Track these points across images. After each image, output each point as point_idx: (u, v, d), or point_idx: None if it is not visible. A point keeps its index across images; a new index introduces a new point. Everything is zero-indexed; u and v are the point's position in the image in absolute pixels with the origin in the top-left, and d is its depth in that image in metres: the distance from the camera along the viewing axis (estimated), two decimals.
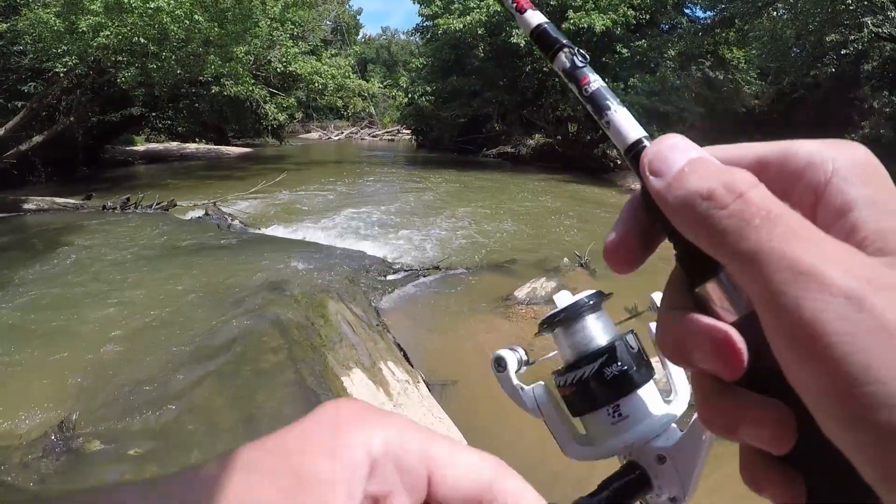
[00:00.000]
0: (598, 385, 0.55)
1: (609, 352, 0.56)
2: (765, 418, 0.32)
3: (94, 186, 16.46)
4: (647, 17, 22.19)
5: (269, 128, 31.52)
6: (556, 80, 22.41)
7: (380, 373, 5.22)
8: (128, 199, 13.90)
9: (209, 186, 17.69)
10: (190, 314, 6.95)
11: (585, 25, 20.85)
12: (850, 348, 0.26)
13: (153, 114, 26.88)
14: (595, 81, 0.43)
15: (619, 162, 23.50)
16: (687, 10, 24.54)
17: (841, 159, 0.33)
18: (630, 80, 21.33)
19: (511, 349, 0.64)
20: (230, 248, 9.98)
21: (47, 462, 4.38)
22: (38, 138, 17.08)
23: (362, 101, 28.81)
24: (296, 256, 9.10)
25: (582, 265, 9.25)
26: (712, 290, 0.36)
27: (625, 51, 22.50)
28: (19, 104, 16.09)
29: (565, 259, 9.46)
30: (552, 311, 0.59)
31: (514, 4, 0.50)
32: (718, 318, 0.35)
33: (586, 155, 23.71)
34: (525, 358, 0.64)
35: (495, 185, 18.88)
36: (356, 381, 5.05)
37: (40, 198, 13.83)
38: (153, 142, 29.91)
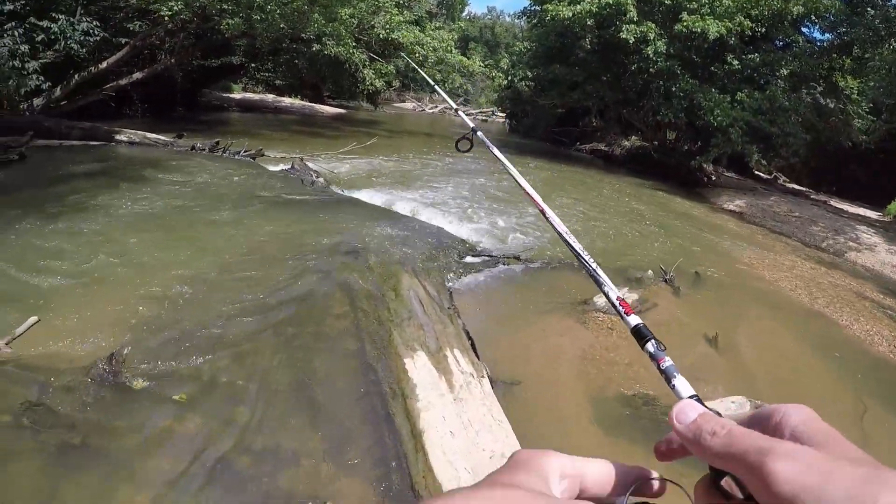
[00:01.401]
0: None
1: None
2: None
3: (187, 127, 16.58)
4: (763, 30, 21.04)
5: (365, 92, 31.36)
6: (661, 83, 21.78)
7: (444, 360, 4.88)
8: (217, 142, 13.88)
9: (299, 141, 17.68)
10: (260, 265, 6.76)
11: (699, 30, 19.93)
12: (789, 476, 0.48)
13: (252, 64, 27.04)
14: (667, 361, 0.76)
15: (713, 178, 22.79)
16: (805, 29, 23.19)
17: (788, 408, 0.59)
18: (738, 94, 20.31)
19: None
20: (311, 205, 9.78)
21: (90, 392, 4.24)
22: (138, 74, 17.42)
23: (461, 77, 28.41)
24: (375, 223, 8.86)
25: (666, 281, 8.80)
26: (726, 482, 0.59)
27: (735, 62, 21.40)
28: (123, 41, 16.17)
29: (650, 271, 9.00)
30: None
31: (623, 310, 0.89)
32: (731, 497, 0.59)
33: (682, 165, 22.77)
34: None
35: (585, 182, 18.29)
36: (419, 365, 4.72)
37: (133, 131, 13.88)
38: (250, 91, 30.22)
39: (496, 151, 1.78)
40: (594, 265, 1.01)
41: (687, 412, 0.61)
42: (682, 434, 0.60)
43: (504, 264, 8.55)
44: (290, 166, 12.88)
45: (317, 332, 5.27)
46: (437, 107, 48.13)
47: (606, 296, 0.93)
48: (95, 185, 9.24)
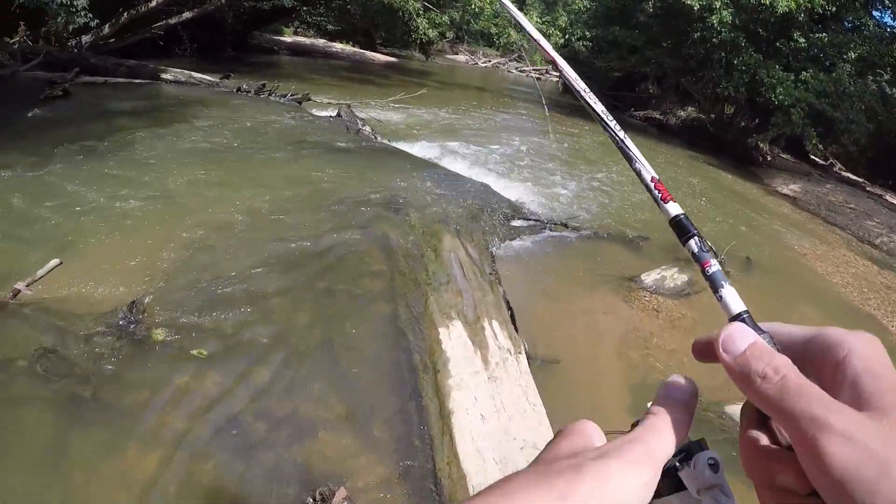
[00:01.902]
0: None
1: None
2: None
3: (235, 68, 16.37)
4: (833, 8, 19.96)
5: (418, 42, 30.86)
6: (724, 55, 20.81)
7: (482, 332, 4.53)
8: (263, 84, 13.62)
9: (347, 88, 17.37)
10: (297, 213, 6.47)
11: (767, 2, 19.00)
12: (843, 463, 0.42)
13: (304, 8, 26.65)
14: (714, 265, 0.64)
15: (769, 158, 21.96)
16: (875, 13, 22.11)
17: (854, 344, 0.50)
18: (803, 73, 19.38)
19: None
20: (354, 154, 9.46)
21: (108, 342, 4.05)
22: (188, 14, 17.16)
23: (516, 32, 27.80)
24: (420, 176, 8.52)
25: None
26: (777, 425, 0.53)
27: (802, 40, 20.35)
28: None
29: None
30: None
31: (660, 195, 0.73)
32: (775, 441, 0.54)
33: (738, 142, 21.88)
34: None
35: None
36: (454, 337, 4.39)
37: (179, 70, 13.73)
38: (301, 35, 29.90)
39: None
40: (622, 135, 0.82)
41: (736, 340, 0.54)
42: (728, 367, 0.53)
43: (551, 230, 8.13)
44: (336, 113, 12.51)
45: (350, 291, 4.98)
46: (489, 61, 47.41)
47: (638, 173, 0.76)
48: (136, 123, 9.03)
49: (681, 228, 0.70)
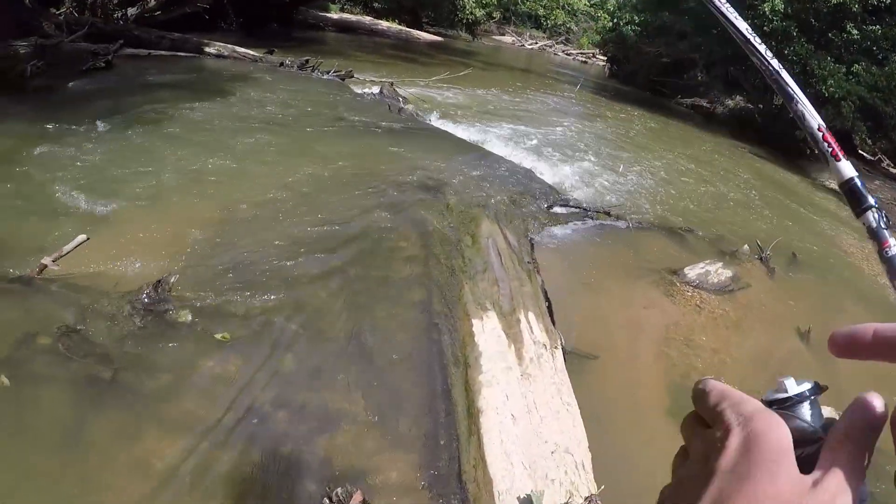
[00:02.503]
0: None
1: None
2: None
3: (279, 44, 16.27)
4: (889, 0, 19.35)
5: (465, 21, 30.59)
6: (774, 43, 20.09)
7: (517, 325, 4.32)
8: (307, 60, 13.48)
9: (391, 66, 17.17)
10: (333, 192, 6.35)
11: None
12: None
13: None
14: (895, 247, 0.54)
15: (816, 151, 21.47)
16: None
17: None
18: (854, 66, 18.85)
19: None
20: (395, 133, 9.31)
21: (131, 321, 3.95)
22: None
23: (564, 14, 27.45)
24: (460, 158, 8.33)
25: (761, 259, 8.04)
26: None
27: (855, 32, 19.73)
28: None
29: (745, 246, 8.18)
30: (778, 397, 0.57)
31: (829, 150, 0.62)
32: None
33: (785, 134, 21.41)
34: None
35: (682, 139, 17.09)
36: (487, 329, 4.20)
37: (222, 44, 13.61)
38: (347, 12, 29.78)
39: None
40: (776, 64, 0.70)
41: None
42: None
43: (593, 219, 7.83)
44: (378, 90, 12.34)
45: (382, 277, 4.85)
46: (536, 43, 46.92)
47: (801, 118, 0.67)
48: (176, 96, 8.94)
49: (855, 196, 0.61)
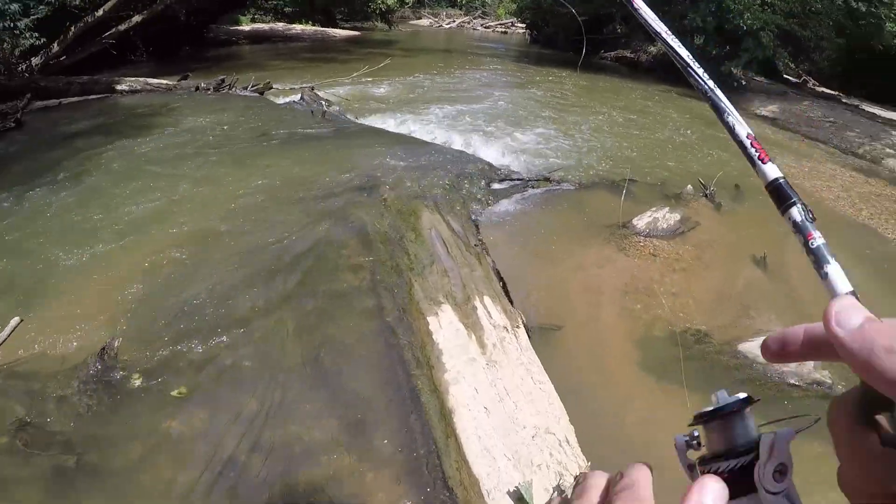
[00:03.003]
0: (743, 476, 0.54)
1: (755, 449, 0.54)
2: None
3: (194, 66, 16.00)
4: None
5: (378, 12, 30.36)
6: None
7: (473, 312, 4.23)
8: (223, 80, 13.18)
9: (310, 69, 16.91)
10: (269, 214, 6.17)
11: None
12: None
13: None
14: (818, 238, 0.58)
15: (743, 83, 21.71)
16: None
17: None
18: None
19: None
20: (322, 139, 9.11)
21: (84, 398, 3.77)
22: (137, 18, 16.46)
23: None
24: (392, 152, 8.18)
25: (706, 196, 8.10)
26: (885, 418, 0.47)
27: None
28: None
29: (689, 186, 8.21)
30: (708, 409, 0.58)
31: (757, 154, 0.65)
32: (889, 441, 0.46)
33: (711, 71, 21.60)
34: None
35: (611, 92, 17.13)
36: (444, 324, 4.09)
37: (133, 79, 13.21)
38: (259, 22, 29.36)
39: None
40: (710, 84, 0.79)
41: (851, 314, 0.47)
42: (844, 344, 0.45)
43: (533, 188, 7.76)
44: (299, 97, 12.19)
45: (331, 291, 4.71)
46: (454, 21, 46.83)
47: (731, 129, 0.69)
48: (94, 144, 8.61)
49: (779, 195, 0.64)
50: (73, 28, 14.59)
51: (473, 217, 6.45)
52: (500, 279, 4.97)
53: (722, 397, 0.60)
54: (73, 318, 4.56)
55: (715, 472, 0.55)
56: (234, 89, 13.00)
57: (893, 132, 15.75)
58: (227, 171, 7.55)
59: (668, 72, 22.75)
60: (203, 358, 4.08)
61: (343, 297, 4.60)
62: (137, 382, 3.87)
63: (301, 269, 5.01)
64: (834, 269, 0.55)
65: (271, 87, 13.25)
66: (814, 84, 24.30)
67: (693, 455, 0.59)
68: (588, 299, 5.49)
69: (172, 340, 4.25)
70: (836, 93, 22.76)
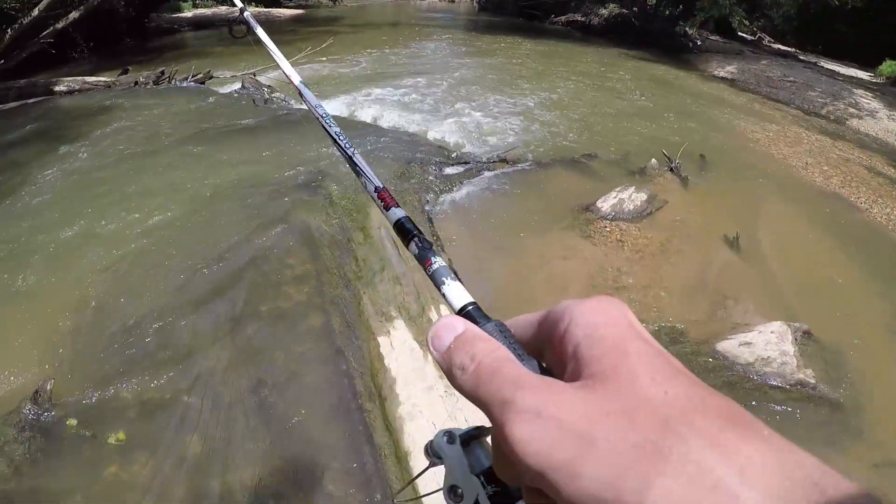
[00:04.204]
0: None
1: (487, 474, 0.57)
2: None
3: (136, 59, 15.44)
4: None
5: None
6: None
7: (429, 328, 3.87)
8: (162, 72, 12.56)
9: (253, 53, 16.19)
10: (209, 222, 5.71)
11: None
12: (531, 447, 0.36)
13: None
14: (436, 263, 0.62)
15: (699, 43, 21.82)
16: None
17: (577, 310, 0.43)
18: None
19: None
20: (264, 129, 8.65)
21: (20, 447, 3.43)
22: (74, 14, 15.71)
23: None
24: None
25: (672, 170, 7.83)
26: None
27: None
28: None
29: (653, 160, 7.93)
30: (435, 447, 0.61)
31: (382, 203, 0.73)
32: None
33: (665, 32, 21.53)
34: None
35: (565, 58, 16.88)
36: (397, 344, 3.72)
37: (71, 78, 12.60)
38: (202, 7, 28.59)
39: (261, 33, 1.38)
40: (351, 151, 0.87)
41: (442, 334, 0.48)
42: (441, 366, 0.47)
43: (489, 171, 7.36)
44: (240, 85, 11.71)
45: (275, 309, 4.31)
46: None
47: (364, 186, 0.79)
48: (26, 156, 8.00)
49: (402, 231, 0.69)
50: (9, 31, 14.00)
51: (427, 208, 6.06)
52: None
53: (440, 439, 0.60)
54: (4, 359, 4.17)
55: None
56: (173, 81, 12.44)
57: (855, 91, 15.93)
58: (163, 174, 7.05)
59: (622, 33, 22.63)
60: (143, 396, 3.74)
61: (288, 317, 4.21)
62: (75, 427, 3.53)
63: (244, 285, 4.60)
64: (451, 288, 0.57)
65: (211, 76, 12.72)
66: (769, 41, 24.54)
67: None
68: (553, 295, 5.12)
69: (110, 377, 3.89)
70: (792, 49, 22.94)
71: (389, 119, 9.39)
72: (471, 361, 0.44)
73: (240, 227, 5.45)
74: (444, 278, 0.59)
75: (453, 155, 7.69)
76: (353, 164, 0.82)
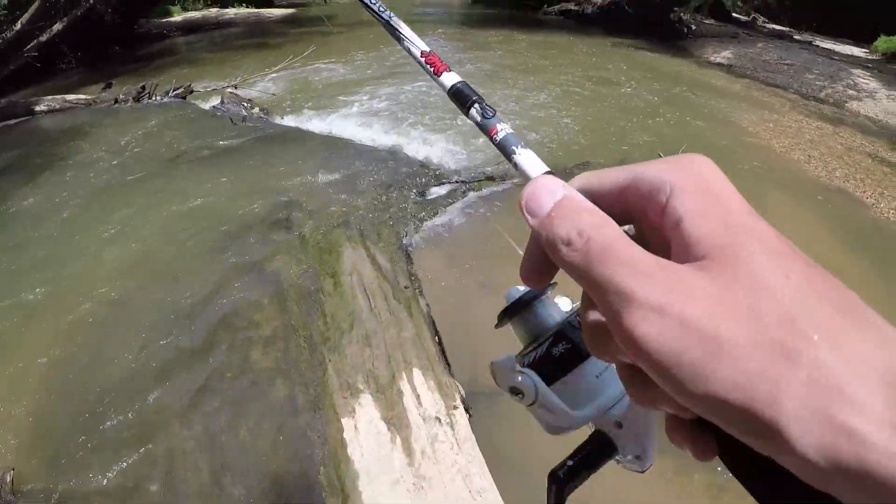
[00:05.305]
0: (552, 359, 0.61)
1: (559, 331, 0.61)
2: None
3: (123, 69, 15.34)
4: None
5: None
6: None
7: (400, 400, 3.45)
8: (143, 87, 12.19)
9: (240, 60, 15.90)
10: (175, 269, 5.33)
11: None
12: (658, 347, 0.33)
13: None
14: (503, 130, 0.54)
15: (693, 27, 21.40)
16: None
17: (677, 180, 0.39)
18: None
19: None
20: (239, 152, 8.23)
21: None
22: (58, 26, 15.57)
23: None
24: (315, 162, 7.39)
25: None
26: None
27: None
28: None
29: None
30: (507, 305, 0.65)
31: (432, 69, 0.63)
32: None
33: (660, 19, 21.32)
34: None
35: (560, 50, 16.35)
36: (362, 427, 3.34)
37: (51, 97, 12.29)
38: (191, 9, 28.29)
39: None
40: (387, 14, 0.72)
41: (541, 197, 0.43)
42: (536, 233, 0.43)
43: (475, 191, 6.91)
44: (219, 101, 11.26)
45: (241, 377, 3.99)
46: None
47: (409, 52, 0.66)
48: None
49: (460, 98, 0.59)
50: None
51: (405, 241, 5.65)
52: (436, 332, 4.22)
53: (514, 292, 0.65)
54: None
55: (531, 363, 0.61)
56: (154, 97, 12.08)
57: (853, 70, 15.69)
58: (127, 211, 6.63)
59: (618, 20, 22.40)
60: (107, 483, 3.49)
61: (253, 387, 3.88)
62: None
63: (209, 349, 4.27)
64: (524, 156, 0.51)
65: (192, 91, 12.36)
66: (764, 21, 24.40)
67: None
68: None
69: (74, 464, 3.62)
70: (787, 29, 22.89)
71: (372, 134, 8.96)
72: (578, 236, 0.39)
73: (208, 276, 5.11)
74: (514, 147, 0.52)
75: (437, 173, 7.25)
76: (392, 30, 0.70)
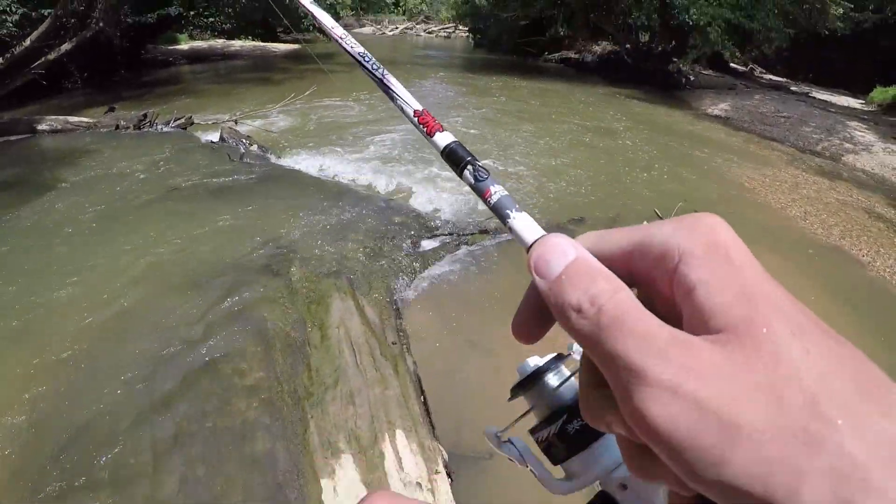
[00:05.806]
0: (568, 437, 0.59)
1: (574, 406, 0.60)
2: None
3: (128, 93, 15.57)
4: None
5: (313, 26, 29.58)
6: None
7: (381, 463, 3.41)
8: (144, 115, 12.36)
9: (242, 94, 16.06)
10: (159, 314, 5.24)
11: None
12: (671, 429, 0.32)
13: (192, 13, 25.30)
14: (496, 193, 0.52)
15: (691, 78, 21.88)
16: None
17: (687, 244, 0.38)
18: None
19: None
20: (233, 191, 8.22)
21: None
22: (66, 46, 15.60)
23: None
24: (310, 206, 7.41)
25: None
26: None
27: None
28: (46, 13, 14.67)
29: (645, 222, 7.51)
30: (520, 379, 0.65)
31: (425, 129, 0.62)
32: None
33: (658, 69, 21.60)
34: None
35: (559, 99, 16.81)
36: (340, 488, 3.29)
37: (54, 117, 12.40)
38: (199, 39, 28.49)
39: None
40: (381, 72, 0.72)
41: (551, 260, 0.41)
42: (545, 296, 0.40)
43: (468, 245, 6.94)
44: (219, 135, 11.29)
45: (222, 428, 3.91)
46: (397, 28, 46.71)
47: (402, 110, 0.66)
48: None
49: (453, 158, 0.58)
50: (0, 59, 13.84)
51: (395, 296, 5.63)
52: (422, 392, 4.20)
53: (526, 367, 0.65)
54: None
55: (543, 440, 0.59)
56: (155, 126, 12.24)
57: (849, 123, 15.86)
58: (115, 249, 6.54)
59: (616, 70, 22.70)
60: None
61: (234, 437, 3.81)
62: None
63: (196, 396, 4.21)
64: (519, 219, 0.48)
65: (193, 122, 12.45)
66: (760, 71, 24.72)
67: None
68: None
69: None
70: (783, 79, 23.11)
71: (368, 178, 9.04)
72: (590, 304, 0.37)
73: (192, 325, 5.04)
74: (509, 210, 0.49)
75: (430, 224, 7.27)
76: (385, 88, 0.70)
